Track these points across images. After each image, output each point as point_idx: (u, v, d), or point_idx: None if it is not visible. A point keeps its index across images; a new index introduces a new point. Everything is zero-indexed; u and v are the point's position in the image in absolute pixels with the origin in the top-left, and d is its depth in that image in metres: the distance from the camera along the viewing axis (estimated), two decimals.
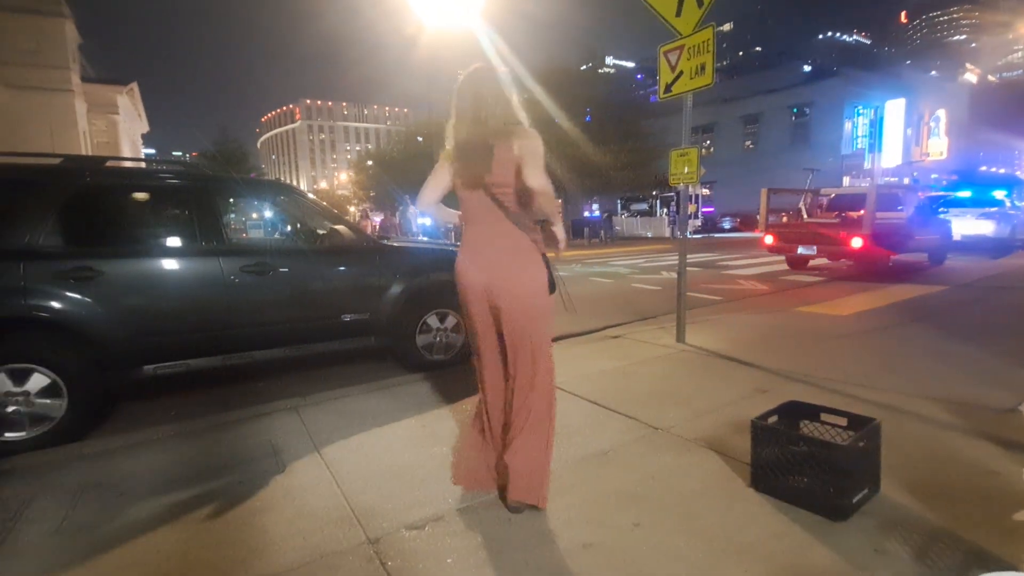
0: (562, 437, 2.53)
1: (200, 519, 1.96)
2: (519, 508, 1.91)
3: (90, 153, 18.21)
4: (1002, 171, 41.65)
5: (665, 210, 30.11)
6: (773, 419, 2.09)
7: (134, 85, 24.58)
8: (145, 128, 29.48)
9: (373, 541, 1.79)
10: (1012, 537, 1.67)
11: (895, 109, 33.35)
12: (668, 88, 4.30)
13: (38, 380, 2.67)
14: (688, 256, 4.50)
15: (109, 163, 3.51)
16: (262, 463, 2.41)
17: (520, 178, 1.81)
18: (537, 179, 1.78)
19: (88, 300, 2.83)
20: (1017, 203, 12.92)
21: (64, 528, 1.92)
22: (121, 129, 22.91)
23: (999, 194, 12.50)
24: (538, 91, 17.32)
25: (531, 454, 1.90)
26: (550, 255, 1.98)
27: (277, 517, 1.95)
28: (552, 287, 1.95)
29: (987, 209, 11.67)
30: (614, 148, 21.59)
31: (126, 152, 22.79)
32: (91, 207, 3.08)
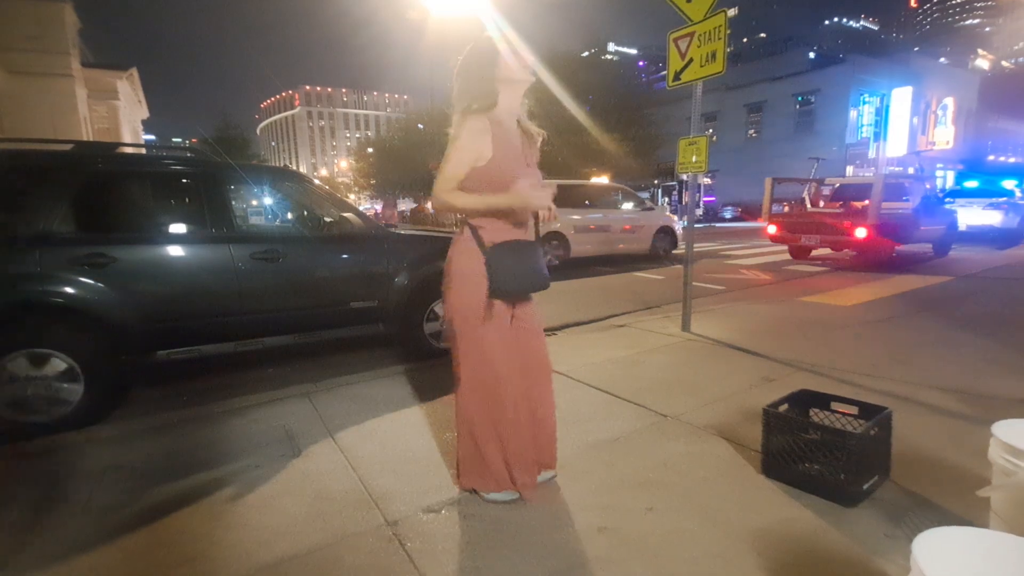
0: (573, 424, 2.57)
1: (222, 501, 1.99)
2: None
3: (91, 139, 18.14)
4: (1011, 160, 41.35)
5: (667, 199, 29.98)
6: (784, 407, 2.12)
7: (134, 70, 24.36)
8: (145, 114, 29.26)
9: (392, 523, 1.83)
10: None
11: (901, 97, 33.02)
12: (677, 76, 4.28)
13: (55, 364, 2.70)
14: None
15: (119, 149, 3.52)
16: (278, 447, 2.45)
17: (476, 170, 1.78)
18: (444, 163, 1.76)
19: (101, 286, 2.85)
20: None
21: (90, 508, 1.96)
22: (122, 115, 22.77)
23: (1009, 183, 12.40)
24: (543, 76, 17.25)
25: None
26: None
27: (296, 500, 1.99)
28: (494, 288, 1.76)
29: (994, 199, 11.61)
30: (616, 136, 21.47)
31: (127, 138, 22.67)
32: (104, 193, 3.10)
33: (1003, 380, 3.05)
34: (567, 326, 4.80)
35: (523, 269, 1.80)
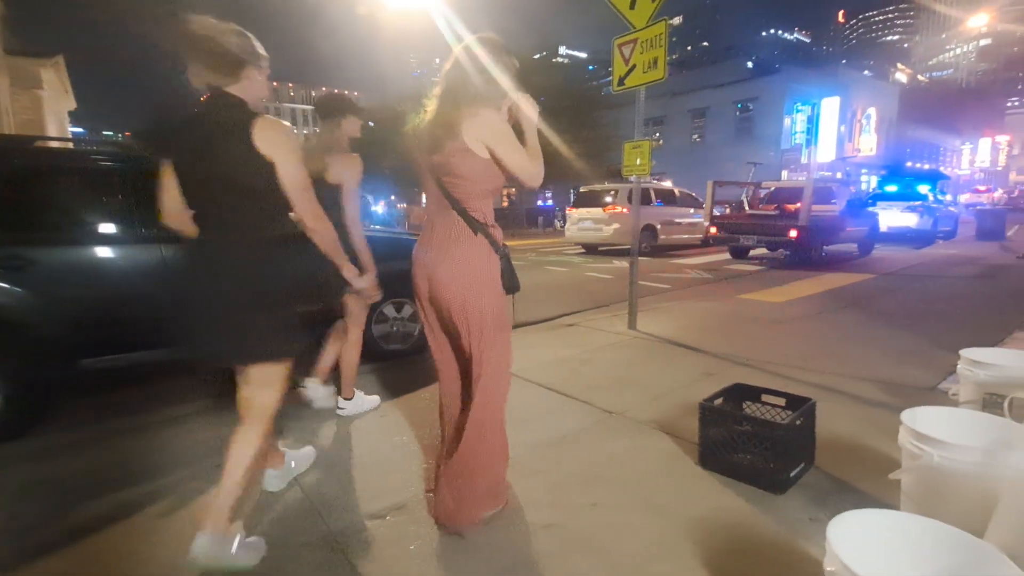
0: (522, 423, 2.60)
1: (155, 516, 1.91)
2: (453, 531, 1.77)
3: (13, 131, 16.78)
4: (927, 166, 44.80)
5: None
6: (719, 401, 2.23)
7: (60, 58, 22.67)
8: (72, 105, 27.20)
9: (336, 532, 1.80)
10: None
11: (830, 106, 35.18)
12: (621, 81, 4.40)
13: None
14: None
15: (38, 143, 3.29)
16: (215, 458, 2.34)
17: (494, 169, 1.66)
18: (511, 157, 1.64)
19: (19, 291, 2.66)
20: (940, 197, 13.91)
21: (11, 527, 1.83)
22: (46, 106, 21.12)
23: (923, 188, 13.43)
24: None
25: (454, 481, 1.75)
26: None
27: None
28: (509, 286, 1.74)
29: (912, 203, 12.53)
30: (567, 138, 21.81)
31: (52, 131, 21.03)
32: (20, 191, 2.88)
33: (916, 370, 3.31)
34: (519, 326, 4.84)
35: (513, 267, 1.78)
